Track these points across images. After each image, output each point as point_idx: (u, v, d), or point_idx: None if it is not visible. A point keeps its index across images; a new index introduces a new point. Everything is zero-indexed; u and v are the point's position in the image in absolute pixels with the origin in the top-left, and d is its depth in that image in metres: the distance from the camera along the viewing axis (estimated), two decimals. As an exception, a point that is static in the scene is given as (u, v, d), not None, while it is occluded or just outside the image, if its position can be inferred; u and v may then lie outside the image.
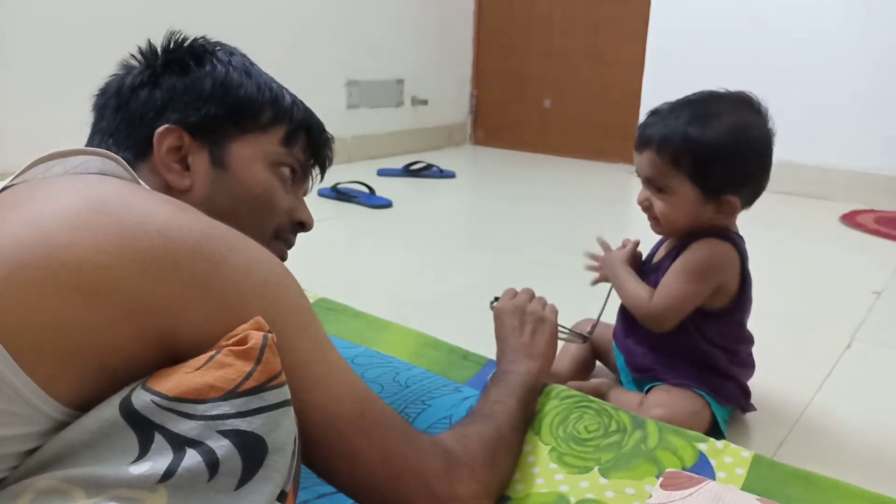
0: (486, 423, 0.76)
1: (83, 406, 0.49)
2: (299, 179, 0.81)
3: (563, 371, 1.17)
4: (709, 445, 0.84)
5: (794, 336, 1.41)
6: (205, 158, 0.72)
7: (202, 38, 0.78)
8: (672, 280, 1.01)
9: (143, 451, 0.47)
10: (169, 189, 0.70)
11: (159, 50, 0.75)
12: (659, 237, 1.13)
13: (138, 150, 0.71)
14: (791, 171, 2.85)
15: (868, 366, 1.31)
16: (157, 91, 0.72)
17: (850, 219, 2.49)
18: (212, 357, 0.50)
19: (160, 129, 0.70)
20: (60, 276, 0.49)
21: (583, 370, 1.22)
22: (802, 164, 2.82)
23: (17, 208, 0.54)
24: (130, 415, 0.48)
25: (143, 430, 0.47)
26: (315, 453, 0.60)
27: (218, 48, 0.77)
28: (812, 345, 1.39)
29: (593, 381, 1.10)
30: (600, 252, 1.16)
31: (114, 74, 0.76)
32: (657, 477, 0.77)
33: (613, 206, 2.79)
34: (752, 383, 1.09)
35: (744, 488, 0.77)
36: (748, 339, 1.08)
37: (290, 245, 0.82)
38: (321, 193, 2.54)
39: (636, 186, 1.06)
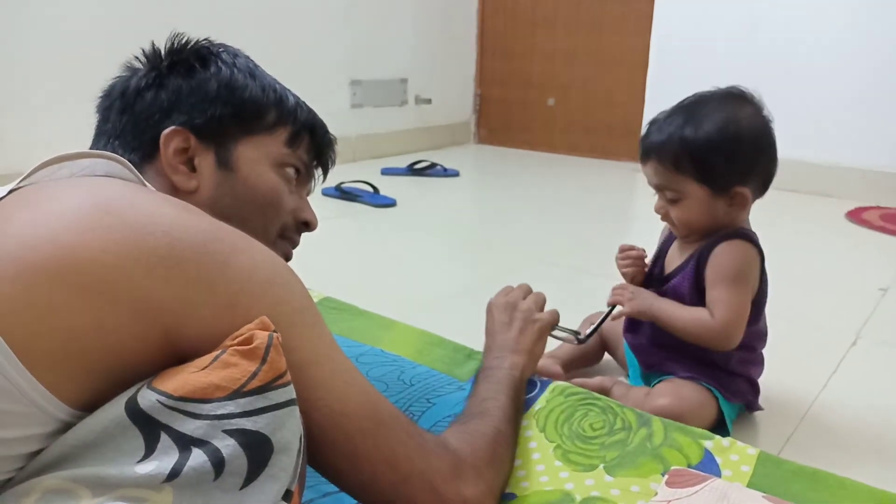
0: (483, 421, 0.76)
1: (89, 407, 0.50)
2: (303, 180, 0.82)
3: (567, 360, 1.17)
4: (714, 443, 0.83)
5: (799, 333, 1.41)
6: (211, 160, 0.72)
7: (206, 39, 0.78)
8: (721, 293, 0.99)
9: (149, 451, 0.47)
10: (175, 190, 0.70)
11: (163, 52, 0.76)
12: (658, 245, 1.13)
13: (144, 152, 0.71)
14: (797, 167, 2.84)
15: (874, 363, 1.30)
16: (162, 93, 0.73)
17: (856, 216, 2.48)
18: (217, 357, 0.51)
19: (166, 130, 0.70)
20: (67, 277, 0.49)
21: (589, 361, 1.22)
22: (808, 161, 2.81)
23: (23, 210, 0.54)
24: (136, 414, 0.48)
25: (149, 429, 0.48)
26: (320, 454, 0.60)
27: (222, 50, 0.78)
28: (818, 342, 1.39)
29: (598, 379, 1.10)
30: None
31: (118, 76, 0.76)
32: (662, 475, 0.77)
33: (618, 205, 2.79)
34: (759, 380, 1.09)
35: (749, 486, 0.77)
36: (763, 336, 1.08)
37: (294, 245, 0.82)
38: (325, 193, 2.54)
39: (640, 184, 1.07)
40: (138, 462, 0.47)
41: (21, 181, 0.61)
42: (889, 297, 1.64)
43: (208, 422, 0.48)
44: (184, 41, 0.76)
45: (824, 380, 1.21)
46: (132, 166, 0.65)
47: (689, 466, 0.80)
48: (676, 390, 1.01)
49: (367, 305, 1.33)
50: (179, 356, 0.52)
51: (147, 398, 0.49)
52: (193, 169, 0.72)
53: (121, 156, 0.66)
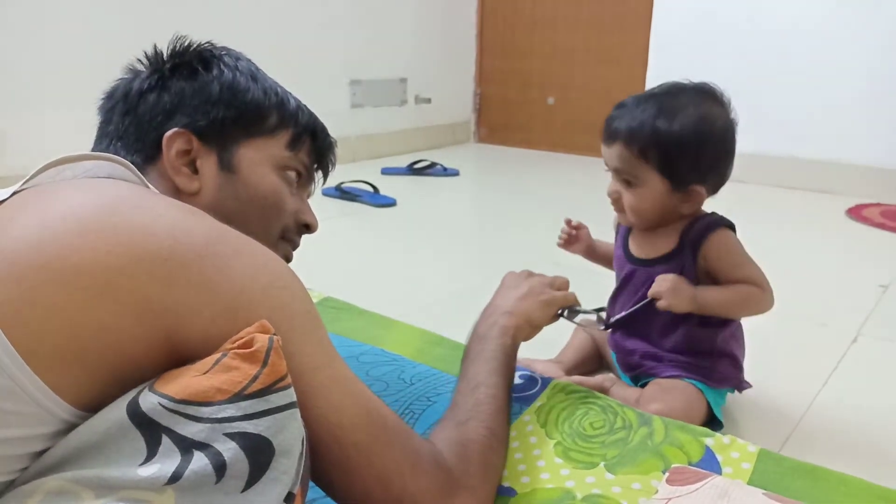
0: (476, 424, 0.74)
1: (92, 407, 0.50)
2: (304, 182, 0.82)
3: (570, 366, 1.17)
4: (715, 440, 0.84)
5: (799, 330, 1.41)
6: (213, 162, 0.73)
7: (208, 42, 0.79)
8: (751, 268, 1.01)
9: (151, 454, 0.47)
10: (178, 192, 0.71)
11: (166, 54, 0.76)
12: (614, 227, 1.15)
13: (147, 154, 0.71)
14: (797, 165, 2.84)
15: (874, 360, 1.31)
16: (165, 95, 0.73)
17: (856, 212, 2.48)
18: (218, 360, 0.51)
19: (169, 132, 0.71)
20: (70, 279, 0.49)
21: (589, 362, 1.22)
22: (808, 159, 2.80)
23: (27, 212, 0.54)
24: (138, 417, 0.48)
25: (151, 432, 0.48)
26: (314, 462, 0.59)
27: (224, 53, 0.78)
28: (818, 339, 1.39)
29: (597, 377, 1.10)
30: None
31: (120, 78, 0.76)
32: (663, 472, 0.78)
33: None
34: (757, 378, 1.09)
35: (750, 483, 0.77)
36: None
37: (295, 246, 0.83)
38: (325, 193, 2.54)
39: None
40: (140, 464, 0.47)
41: (24, 183, 0.61)
42: (889, 294, 1.64)
43: (210, 425, 0.48)
44: (186, 44, 0.77)
45: (825, 377, 1.21)
46: (135, 168, 0.66)
47: (690, 464, 0.80)
48: (664, 395, 1.00)
49: (367, 305, 1.34)
50: (182, 358, 0.53)
51: (149, 401, 0.49)
52: (195, 171, 0.72)
53: (123, 157, 0.67)
